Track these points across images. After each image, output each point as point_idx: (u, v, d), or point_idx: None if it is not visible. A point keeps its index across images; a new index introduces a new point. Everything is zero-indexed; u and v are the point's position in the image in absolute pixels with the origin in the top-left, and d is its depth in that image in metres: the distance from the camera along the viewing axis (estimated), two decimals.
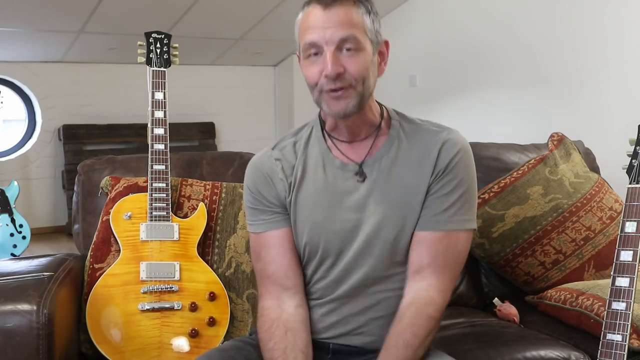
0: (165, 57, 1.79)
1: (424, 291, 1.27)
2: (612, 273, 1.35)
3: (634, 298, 1.32)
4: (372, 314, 1.31)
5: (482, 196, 1.95)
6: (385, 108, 1.37)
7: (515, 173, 1.99)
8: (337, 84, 1.21)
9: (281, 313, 1.29)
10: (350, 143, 1.32)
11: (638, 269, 1.33)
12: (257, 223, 1.35)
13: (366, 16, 1.24)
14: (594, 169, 2.23)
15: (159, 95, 1.76)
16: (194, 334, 1.62)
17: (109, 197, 1.76)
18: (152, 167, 1.71)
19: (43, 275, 1.51)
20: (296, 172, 1.33)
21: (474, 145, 2.09)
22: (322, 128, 1.35)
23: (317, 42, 1.21)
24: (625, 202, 1.37)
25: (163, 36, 1.81)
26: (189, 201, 1.77)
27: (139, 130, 5.60)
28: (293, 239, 1.34)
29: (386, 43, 1.31)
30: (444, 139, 1.30)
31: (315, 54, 1.23)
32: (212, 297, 1.66)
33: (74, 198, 1.91)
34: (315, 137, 1.36)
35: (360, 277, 1.29)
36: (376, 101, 1.35)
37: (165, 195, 1.70)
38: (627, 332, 1.30)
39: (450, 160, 1.28)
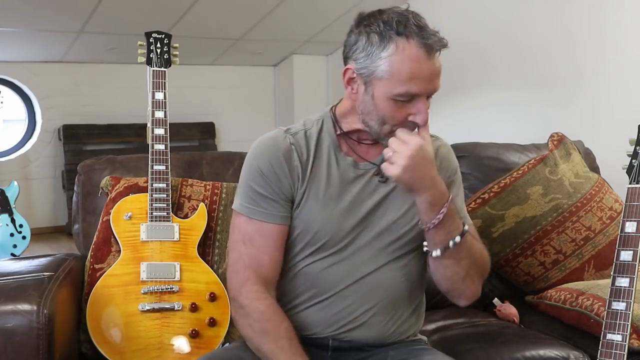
0: (165, 57, 1.79)
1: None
2: (612, 273, 1.35)
3: (634, 298, 1.32)
4: (372, 308, 1.31)
5: (482, 196, 1.96)
6: None
7: (515, 173, 1.99)
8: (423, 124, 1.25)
9: (272, 302, 1.28)
10: (370, 145, 1.34)
11: (638, 269, 1.33)
12: (259, 210, 1.29)
13: None
14: (594, 169, 2.23)
15: (159, 95, 1.76)
16: (194, 335, 1.62)
17: (109, 197, 1.76)
18: (152, 167, 1.71)
19: (43, 275, 1.51)
20: (309, 161, 1.31)
21: (473, 145, 2.10)
22: (334, 124, 1.35)
23: (419, 93, 1.22)
24: (625, 202, 1.37)
25: (163, 36, 1.81)
26: (189, 201, 1.77)
27: (139, 130, 5.59)
28: (286, 237, 1.32)
29: None
30: (439, 145, 1.40)
31: (411, 98, 1.22)
32: (213, 297, 1.66)
33: (74, 198, 1.91)
34: (326, 132, 1.34)
35: (366, 270, 1.31)
36: None
37: (165, 195, 1.70)
38: (627, 332, 1.30)
39: (447, 163, 1.40)
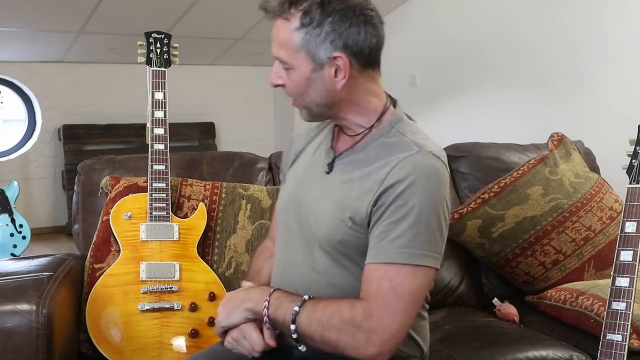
0: (165, 57, 1.79)
1: (351, 301, 1.20)
2: (612, 273, 1.35)
3: (634, 298, 1.32)
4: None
5: (482, 196, 1.95)
6: (393, 113, 1.30)
7: (515, 173, 1.99)
8: (286, 94, 1.28)
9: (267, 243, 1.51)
10: (347, 136, 1.32)
11: (638, 269, 1.33)
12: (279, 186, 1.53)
13: (298, 32, 1.19)
14: (594, 169, 2.23)
15: (159, 95, 1.76)
16: (193, 334, 1.62)
17: (108, 197, 1.76)
18: (152, 167, 1.71)
19: (43, 275, 1.51)
20: (303, 147, 1.42)
21: (473, 145, 2.04)
22: None
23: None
24: (625, 202, 1.37)
25: (163, 36, 1.81)
26: (188, 201, 1.77)
27: (139, 130, 5.59)
28: None
29: (337, 59, 1.20)
30: (402, 158, 1.20)
31: None
32: (212, 297, 1.66)
33: (74, 198, 1.91)
34: (332, 124, 1.38)
35: (303, 265, 1.30)
36: (393, 105, 1.31)
37: (165, 195, 1.70)
38: (627, 332, 1.30)
39: (397, 181, 1.18)
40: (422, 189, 1.17)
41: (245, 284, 1.37)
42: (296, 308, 1.18)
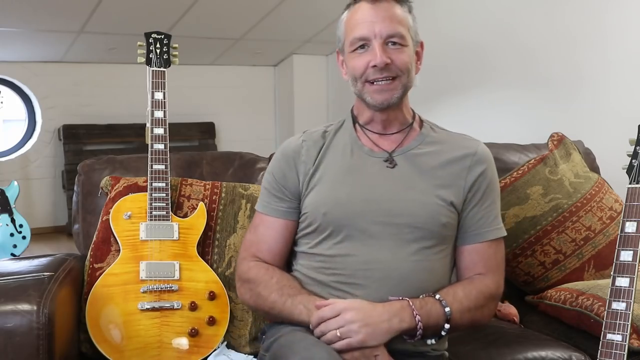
0: (165, 57, 1.79)
1: (477, 279, 1.37)
2: (612, 273, 1.35)
3: (634, 298, 1.31)
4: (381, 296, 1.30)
5: None
6: (417, 113, 1.46)
7: (515, 173, 1.99)
8: (384, 74, 1.31)
9: (262, 265, 1.41)
10: (382, 135, 1.40)
11: (638, 269, 1.33)
12: (266, 205, 1.45)
13: (409, 15, 1.34)
14: (594, 169, 2.23)
15: (158, 95, 1.76)
16: (193, 334, 1.62)
17: (108, 197, 1.76)
18: (151, 167, 1.71)
19: (43, 275, 1.51)
20: (320, 153, 1.41)
21: None
22: (354, 121, 1.44)
23: (366, 36, 1.30)
24: (625, 202, 1.37)
25: (163, 36, 1.81)
26: (188, 201, 1.77)
27: (139, 130, 5.57)
28: (293, 232, 1.42)
29: (422, 44, 1.40)
30: (476, 147, 1.41)
31: (362, 46, 1.32)
32: (212, 296, 1.66)
33: (74, 198, 1.91)
34: (345, 128, 1.45)
35: (383, 258, 1.31)
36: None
37: (165, 194, 1.70)
38: (627, 332, 1.30)
39: (484, 169, 1.39)
40: (495, 173, 1.43)
41: (321, 301, 1.29)
42: (448, 309, 1.27)
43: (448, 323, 1.27)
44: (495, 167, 1.46)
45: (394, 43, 1.30)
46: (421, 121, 1.46)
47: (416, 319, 1.23)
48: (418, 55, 1.39)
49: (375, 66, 1.29)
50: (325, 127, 1.47)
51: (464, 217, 1.38)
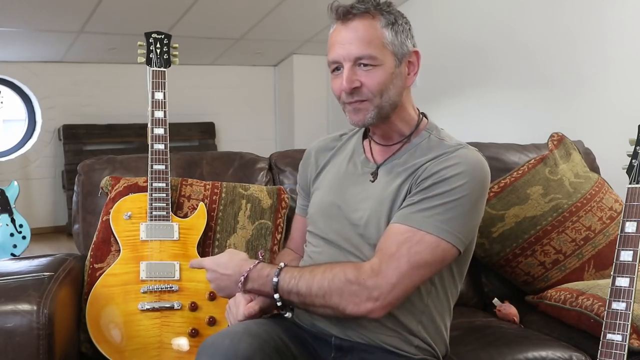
0: (165, 57, 1.79)
1: (349, 263, 1.27)
2: (612, 273, 1.35)
3: (634, 298, 1.32)
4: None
5: None
6: (426, 119, 1.41)
7: (515, 173, 1.99)
8: (355, 98, 1.29)
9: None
10: (383, 146, 1.40)
11: (638, 269, 1.33)
12: (297, 205, 1.60)
13: (386, 29, 1.28)
14: (594, 169, 2.23)
15: (159, 95, 1.76)
16: (194, 334, 1.62)
17: (109, 197, 1.76)
18: (152, 167, 1.71)
19: (43, 275, 1.51)
20: (328, 158, 1.48)
21: (473, 146, 2.05)
22: (367, 129, 1.45)
23: (336, 59, 1.29)
24: (625, 202, 1.37)
25: (163, 36, 1.81)
26: (188, 201, 1.77)
27: (139, 130, 5.60)
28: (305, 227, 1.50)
29: (416, 53, 1.33)
30: (450, 152, 1.29)
31: (337, 69, 1.30)
32: (212, 296, 1.66)
33: (74, 198, 1.91)
34: (358, 134, 1.47)
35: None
36: (421, 113, 1.41)
37: (165, 195, 1.70)
38: (627, 332, 1.30)
39: (443, 167, 1.25)
40: (469, 176, 1.24)
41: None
42: (275, 279, 1.26)
43: (276, 293, 1.26)
44: (485, 179, 1.28)
45: (365, 65, 1.27)
46: (423, 129, 1.38)
47: (244, 275, 1.30)
48: (411, 66, 1.33)
49: (343, 90, 1.28)
50: (345, 131, 1.52)
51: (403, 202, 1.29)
